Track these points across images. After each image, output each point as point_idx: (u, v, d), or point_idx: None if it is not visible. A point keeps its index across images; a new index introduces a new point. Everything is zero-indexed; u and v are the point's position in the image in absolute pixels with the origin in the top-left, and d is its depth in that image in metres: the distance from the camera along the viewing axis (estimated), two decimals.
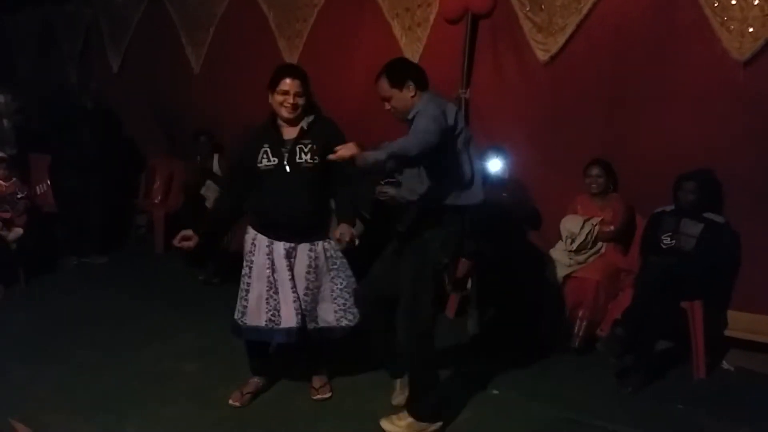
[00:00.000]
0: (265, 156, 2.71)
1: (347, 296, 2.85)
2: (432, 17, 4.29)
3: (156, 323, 3.89)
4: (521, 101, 4.06)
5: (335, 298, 2.85)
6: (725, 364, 3.44)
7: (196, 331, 3.69)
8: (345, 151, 2.29)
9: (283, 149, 2.71)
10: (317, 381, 3.01)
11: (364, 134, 4.54)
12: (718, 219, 3.37)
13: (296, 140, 2.71)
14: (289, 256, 2.76)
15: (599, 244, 3.69)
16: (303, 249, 2.78)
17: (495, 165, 3.96)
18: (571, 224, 3.70)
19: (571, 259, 3.66)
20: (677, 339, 3.37)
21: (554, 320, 3.58)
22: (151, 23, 6.02)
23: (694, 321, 3.26)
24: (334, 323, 2.85)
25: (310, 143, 2.71)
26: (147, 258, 5.38)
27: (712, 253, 3.30)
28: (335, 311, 2.85)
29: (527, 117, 4.05)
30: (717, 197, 3.43)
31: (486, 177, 3.90)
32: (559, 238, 3.76)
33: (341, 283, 2.86)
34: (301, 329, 2.78)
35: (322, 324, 2.85)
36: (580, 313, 3.53)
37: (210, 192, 4.88)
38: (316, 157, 2.69)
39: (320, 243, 2.81)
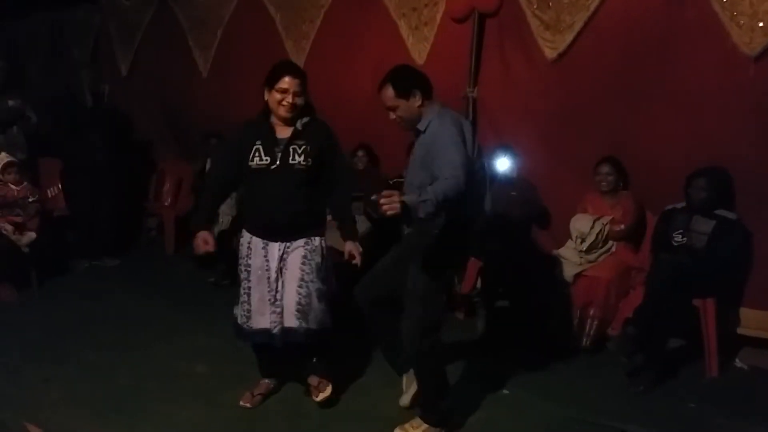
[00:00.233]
0: (257, 154, 2.65)
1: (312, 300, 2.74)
2: (439, 16, 4.28)
3: (167, 325, 3.91)
4: (529, 99, 4.04)
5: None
6: (738, 363, 3.41)
7: (206, 333, 3.71)
8: (390, 207, 2.15)
9: (276, 149, 2.65)
10: (314, 379, 2.90)
11: (372, 136, 4.59)
12: (730, 216, 3.34)
13: (290, 140, 2.66)
14: (285, 254, 2.70)
15: (610, 242, 3.67)
16: (298, 243, 2.70)
17: (503, 164, 3.95)
18: (581, 224, 3.68)
19: (581, 258, 3.64)
20: (689, 337, 3.35)
21: (565, 319, 3.57)
22: (159, 27, 6.06)
23: (706, 319, 3.23)
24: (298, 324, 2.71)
25: (304, 145, 2.66)
26: (157, 260, 5.42)
27: (724, 250, 3.27)
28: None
29: (535, 115, 4.03)
30: (729, 194, 3.39)
31: (493, 179, 3.90)
32: (569, 237, 3.74)
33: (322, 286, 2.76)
34: (302, 328, 2.70)
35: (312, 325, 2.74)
36: (591, 312, 3.52)
37: None
38: (309, 159, 2.64)
39: (317, 239, 2.74)
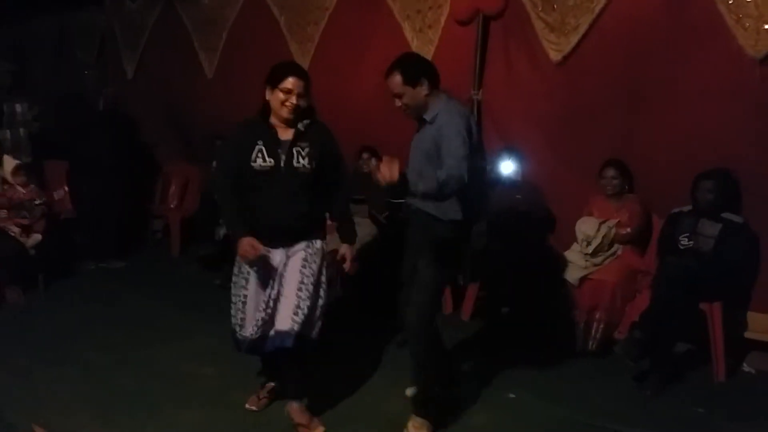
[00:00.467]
0: (260, 155, 2.56)
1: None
2: (443, 19, 4.28)
3: (173, 326, 3.92)
4: (534, 102, 4.04)
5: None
6: (745, 367, 3.39)
7: (212, 335, 3.71)
8: (386, 170, 2.24)
9: (280, 150, 2.58)
10: (301, 416, 2.66)
11: (375, 137, 4.59)
12: (737, 219, 3.32)
13: (293, 142, 2.60)
14: (286, 258, 2.64)
15: (615, 246, 3.65)
16: (299, 247, 2.65)
17: (508, 166, 3.94)
18: (586, 227, 3.67)
19: (587, 261, 3.63)
20: (696, 341, 3.34)
21: (571, 323, 3.56)
22: (164, 29, 6.08)
23: (713, 323, 3.22)
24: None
25: (307, 147, 2.60)
26: (163, 262, 5.43)
27: (730, 253, 3.25)
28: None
29: (540, 118, 4.03)
30: (735, 197, 3.38)
31: (498, 181, 3.90)
32: (574, 240, 3.74)
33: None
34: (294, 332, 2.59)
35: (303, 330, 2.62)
36: (597, 316, 3.51)
37: None
38: (313, 162, 2.60)
39: (318, 242, 2.69)
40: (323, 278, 2.70)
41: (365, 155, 4.57)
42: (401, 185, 2.29)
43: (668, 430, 2.80)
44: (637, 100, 3.65)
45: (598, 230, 3.61)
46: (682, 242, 3.38)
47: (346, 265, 2.74)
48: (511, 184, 3.93)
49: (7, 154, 4.71)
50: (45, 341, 3.66)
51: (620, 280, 3.53)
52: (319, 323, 2.68)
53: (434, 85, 2.57)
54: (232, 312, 2.74)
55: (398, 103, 2.59)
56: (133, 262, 5.30)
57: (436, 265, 2.61)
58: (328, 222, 2.84)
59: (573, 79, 3.85)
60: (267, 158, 2.57)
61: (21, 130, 5.13)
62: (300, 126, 2.61)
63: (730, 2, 3.26)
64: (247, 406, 2.91)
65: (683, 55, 3.46)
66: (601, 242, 3.61)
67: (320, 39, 4.94)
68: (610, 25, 3.68)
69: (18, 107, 5.12)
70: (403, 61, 2.61)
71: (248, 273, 2.67)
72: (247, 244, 2.55)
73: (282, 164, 2.57)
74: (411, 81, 2.53)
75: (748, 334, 3.32)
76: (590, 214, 3.74)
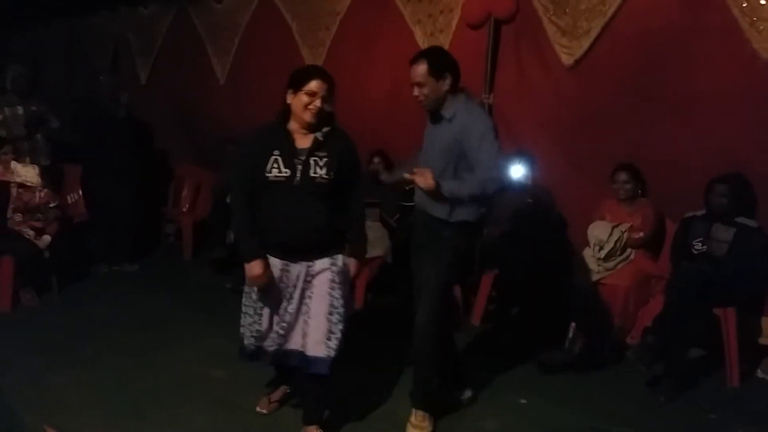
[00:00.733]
0: (275, 165, 2.45)
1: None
2: (454, 23, 4.28)
3: (184, 330, 3.94)
4: (546, 106, 4.03)
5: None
6: (759, 373, 3.35)
7: (224, 338, 3.71)
8: (423, 180, 2.31)
9: (296, 160, 2.46)
10: None
11: (385, 141, 4.59)
12: (751, 223, 3.30)
13: (311, 151, 2.48)
14: (308, 276, 2.53)
15: (628, 250, 3.63)
16: (323, 264, 2.53)
17: (519, 171, 3.93)
18: (599, 231, 3.65)
19: (599, 265, 3.61)
20: (709, 347, 3.30)
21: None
22: (177, 35, 6.14)
23: (727, 328, 3.19)
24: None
25: (325, 157, 2.48)
26: (176, 265, 5.46)
27: (745, 258, 3.23)
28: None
29: (552, 122, 4.01)
30: (749, 201, 3.35)
31: (509, 186, 3.90)
32: (587, 244, 3.72)
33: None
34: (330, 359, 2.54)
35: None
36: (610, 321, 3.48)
37: None
38: (331, 173, 2.47)
39: (340, 257, 2.58)
40: (348, 293, 2.64)
41: (376, 159, 4.57)
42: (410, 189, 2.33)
43: None
44: (650, 104, 3.62)
45: (611, 234, 3.59)
46: (695, 247, 3.36)
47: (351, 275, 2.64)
48: (522, 188, 3.92)
49: (25, 157, 4.76)
50: (58, 343, 3.69)
51: (633, 285, 3.51)
52: (343, 339, 2.60)
53: (456, 83, 2.60)
54: (244, 322, 2.67)
55: (417, 92, 2.59)
56: (145, 265, 5.33)
57: (442, 266, 2.61)
58: None
59: (585, 83, 3.84)
60: (283, 168, 2.45)
61: (39, 134, 5.19)
62: (319, 135, 2.50)
63: (744, 5, 3.24)
64: (258, 409, 2.91)
65: (696, 59, 3.44)
66: (614, 246, 3.59)
67: (331, 44, 4.96)
68: (622, 29, 3.66)
69: (35, 110, 5.18)
70: (431, 52, 2.64)
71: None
72: (259, 268, 2.48)
73: (298, 174, 2.45)
74: (436, 73, 2.55)
75: (762, 340, 3.29)
76: (602, 218, 3.72)
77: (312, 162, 2.47)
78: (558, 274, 3.65)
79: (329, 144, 2.51)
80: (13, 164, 4.51)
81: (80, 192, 5.43)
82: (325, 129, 2.52)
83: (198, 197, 5.92)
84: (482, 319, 4.02)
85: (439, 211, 2.59)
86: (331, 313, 2.52)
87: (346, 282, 2.60)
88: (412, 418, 2.73)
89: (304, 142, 2.51)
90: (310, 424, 2.67)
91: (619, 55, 3.69)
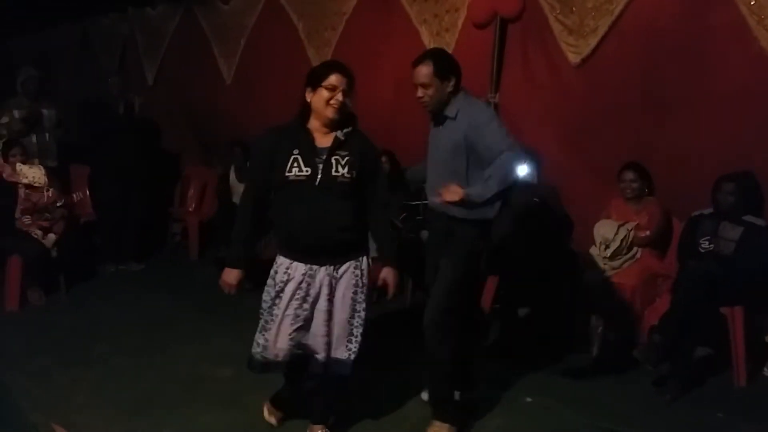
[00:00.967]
0: (296, 164, 2.38)
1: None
2: (460, 22, 4.28)
3: (191, 329, 3.96)
4: (552, 105, 4.02)
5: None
6: (766, 372, 3.33)
7: (229, 337, 3.74)
8: (451, 195, 2.36)
9: (317, 159, 2.39)
10: None
11: (392, 141, 4.59)
12: (759, 222, 3.28)
13: (332, 150, 2.41)
14: (332, 280, 2.45)
15: (635, 249, 3.61)
16: (347, 267, 2.46)
17: (525, 169, 3.92)
18: (605, 230, 3.63)
19: (605, 264, 3.60)
20: (716, 346, 3.29)
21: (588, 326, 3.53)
22: (184, 36, 6.17)
23: (734, 327, 3.17)
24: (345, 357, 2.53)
25: (347, 155, 2.41)
26: (182, 265, 5.49)
27: (752, 257, 3.20)
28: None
29: (559, 120, 4.00)
30: (757, 199, 3.33)
31: (515, 184, 3.89)
32: (593, 243, 3.70)
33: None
34: (350, 361, 2.53)
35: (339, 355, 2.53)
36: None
37: None
38: (353, 171, 2.41)
39: (364, 260, 2.51)
40: (369, 295, 2.57)
41: (383, 159, 4.57)
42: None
43: None
44: (657, 103, 3.61)
45: (617, 233, 3.58)
46: (702, 245, 3.34)
47: (389, 291, 2.54)
48: (528, 187, 3.91)
49: (34, 158, 4.80)
50: (65, 342, 3.71)
51: (639, 284, 3.50)
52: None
53: (458, 85, 2.62)
54: (262, 330, 2.53)
55: (421, 93, 2.61)
56: (152, 264, 5.36)
57: (457, 262, 2.62)
58: None
59: (592, 82, 3.82)
60: (303, 168, 2.37)
61: (47, 134, 5.23)
62: (340, 134, 2.43)
63: (752, 3, 3.22)
64: (267, 418, 2.84)
65: (704, 57, 3.42)
66: (620, 245, 3.57)
67: (338, 44, 4.97)
68: (629, 27, 3.65)
69: (45, 112, 5.21)
70: (436, 54, 2.67)
71: (281, 291, 2.45)
72: (233, 278, 2.49)
73: (319, 174, 2.38)
74: (441, 74, 2.57)
75: None
76: (609, 217, 3.71)
77: (333, 161, 2.40)
78: (564, 273, 3.64)
79: (350, 143, 2.45)
80: (19, 166, 4.54)
81: (87, 192, 5.46)
82: (346, 129, 2.45)
83: (204, 197, 5.95)
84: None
85: (458, 210, 2.57)
86: (353, 317, 2.50)
87: (367, 284, 2.54)
88: (430, 429, 2.68)
89: (324, 141, 2.43)
90: (319, 423, 2.67)
91: (626, 54, 3.68)
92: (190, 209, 5.95)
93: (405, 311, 4.06)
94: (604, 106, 3.80)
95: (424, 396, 2.91)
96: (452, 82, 2.59)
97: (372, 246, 2.62)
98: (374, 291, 2.55)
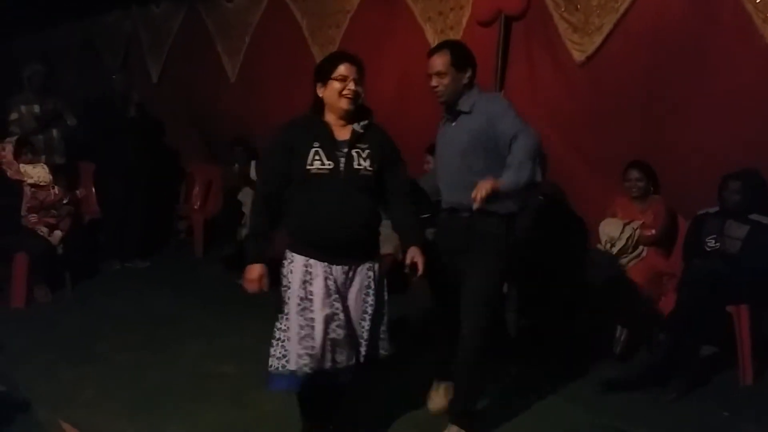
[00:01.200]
0: (317, 157, 2.30)
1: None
2: (464, 20, 4.26)
3: (196, 326, 3.97)
4: (557, 103, 4.00)
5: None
6: None
7: (234, 334, 3.75)
8: (485, 188, 2.30)
9: (338, 152, 2.33)
10: None
11: (396, 138, 4.57)
12: (765, 220, 3.27)
13: (352, 143, 2.35)
14: (347, 280, 2.37)
15: (640, 247, 3.61)
16: (362, 269, 2.39)
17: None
18: (610, 228, 3.63)
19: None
20: (722, 345, 3.28)
21: (595, 325, 3.52)
22: (188, 34, 6.17)
23: (740, 326, 3.17)
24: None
25: (367, 148, 2.36)
26: (187, 262, 5.51)
27: (758, 255, 3.20)
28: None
29: (563, 118, 3.99)
30: (763, 198, 3.32)
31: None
32: (598, 242, 3.70)
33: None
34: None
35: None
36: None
37: (247, 197, 4.97)
38: (375, 164, 2.36)
39: (377, 265, 2.45)
40: (384, 297, 2.49)
41: None
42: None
43: None
44: (663, 101, 3.60)
45: (622, 232, 3.57)
46: (708, 244, 3.33)
47: (419, 269, 2.41)
48: (533, 186, 3.89)
49: (41, 155, 4.81)
50: (71, 339, 3.73)
51: (645, 283, 3.49)
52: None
53: (473, 79, 2.62)
54: (284, 340, 2.36)
55: (436, 82, 2.58)
56: (157, 262, 5.37)
57: (490, 275, 2.54)
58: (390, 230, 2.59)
59: (597, 80, 3.81)
60: (326, 161, 2.30)
61: (54, 131, 5.24)
62: (357, 127, 2.37)
63: (758, 1, 3.20)
64: None
65: (709, 55, 3.41)
66: (626, 244, 3.57)
67: (341, 41, 4.95)
68: (634, 25, 3.63)
69: (51, 107, 5.23)
70: (453, 44, 2.66)
71: (310, 293, 2.32)
72: (256, 273, 2.33)
73: (342, 167, 2.32)
74: (458, 64, 2.56)
75: None
76: (614, 215, 3.70)
77: (354, 154, 2.35)
78: (571, 271, 3.64)
79: (368, 136, 2.40)
80: (22, 167, 4.55)
81: (93, 188, 5.48)
82: (363, 122, 2.40)
83: (209, 195, 5.96)
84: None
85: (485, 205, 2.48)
86: (363, 319, 2.40)
87: (382, 281, 2.47)
88: None
89: (342, 134, 2.37)
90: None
91: (631, 52, 3.66)
92: (195, 207, 5.96)
93: (406, 311, 4.06)
94: (609, 104, 3.79)
95: (431, 405, 2.85)
96: (468, 74, 2.58)
97: (391, 240, 2.56)
98: (407, 270, 2.45)
